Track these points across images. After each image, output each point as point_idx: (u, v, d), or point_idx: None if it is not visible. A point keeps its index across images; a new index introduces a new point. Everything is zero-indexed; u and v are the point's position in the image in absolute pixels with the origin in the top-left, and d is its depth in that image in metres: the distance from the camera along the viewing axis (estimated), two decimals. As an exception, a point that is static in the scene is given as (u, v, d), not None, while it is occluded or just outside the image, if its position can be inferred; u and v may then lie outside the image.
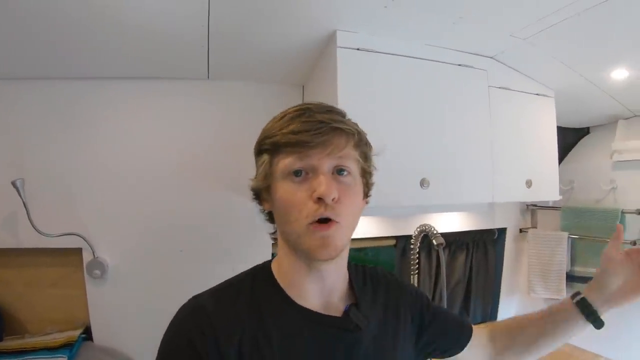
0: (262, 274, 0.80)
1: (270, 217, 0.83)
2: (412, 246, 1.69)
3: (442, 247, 1.51)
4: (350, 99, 1.39)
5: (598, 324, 0.90)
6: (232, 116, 1.75)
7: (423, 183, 1.49)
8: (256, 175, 0.80)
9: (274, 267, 0.81)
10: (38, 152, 1.52)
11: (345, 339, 0.75)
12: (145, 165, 1.63)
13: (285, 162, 0.71)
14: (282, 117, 0.75)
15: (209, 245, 1.70)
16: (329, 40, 1.46)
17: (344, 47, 1.41)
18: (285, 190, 0.72)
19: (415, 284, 1.77)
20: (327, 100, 1.43)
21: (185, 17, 1.27)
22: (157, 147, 1.65)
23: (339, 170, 0.73)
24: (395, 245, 2.05)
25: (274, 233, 0.85)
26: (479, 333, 1.00)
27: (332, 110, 0.76)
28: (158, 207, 1.64)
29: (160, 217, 1.64)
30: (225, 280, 0.80)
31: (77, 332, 1.52)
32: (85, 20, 1.20)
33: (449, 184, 1.58)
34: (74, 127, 1.56)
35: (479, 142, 1.67)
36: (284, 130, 0.71)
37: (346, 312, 0.78)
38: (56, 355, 1.40)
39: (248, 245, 1.74)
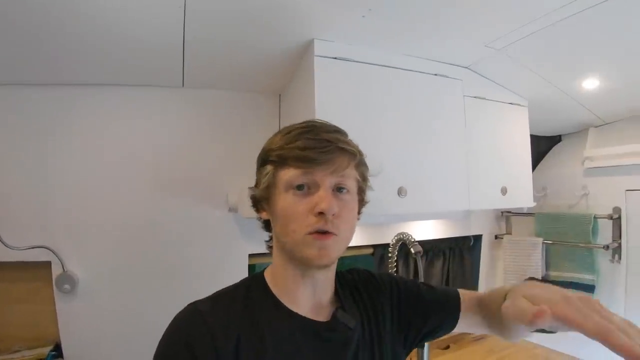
0: (255, 282, 0.83)
1: (267, 226, 0.87)
2: (389, 255, 1.69)
3: (419, 255, 1.52)
4: (327, 107, 1.39)
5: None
6: (207, 125, 1.72)
7: (400, 192, 1.50)
8: (257, 184, 0.83)
9: (267, 275, 0.84)
10: (5, 162, 1.46)
11: (335, 341, 0.79)
12: (117, 175, 1.59)
13: (290, 175, 0.75)
14: (288, 132, 0.79)
15: (182, 258, 1.66)
16: (307, 49, 1.46)
17: (322, 56, 1.41)
18: (287, 202, 0.75)
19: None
20: (305, 109, 1.44)
21: (159, 25, 1.24)
22: (130, 157, 1.61)
23: (339, 188, 0.77)
24: (372, 254, 2.06)
25: (269, 241, 0.90)
26: (470, 300, 0.96)
27: (337, 130, 0.81)
28: (130, 219, 1.60)
29: (132, 229, 1.60)
30: (221, 289, 0.82)
31: (47, 349, 1.47)
32: (57, 27, 1.17)
33: (426, 192, 1.59)
34: (43, 135, 1.50)
35: (455, 150, 1.69)
36: (291, 145, 0.75)
37: (334, 315, 0.81)
38: (24, 374, 1.35)
39: (223, 257, 1.72)
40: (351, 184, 0.79)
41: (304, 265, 0.77)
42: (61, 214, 1.52)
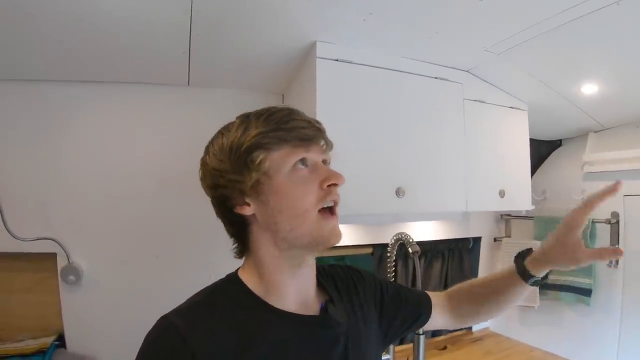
0: (232, 285, 0.78)
1: (240, 226, 0.79)
2: (388, 254, 1.71)
3: (417, 255, 1.54)
4: (329, 108, 1.42)
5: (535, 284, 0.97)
6: (211, 123, 1.71)
7: (399, 192, 1.52)
8: (242, 176, 0.73)
9: (243, 276, 0.78)
10: (13, 155, 1.50)
11: (327, 336, 0.77)
12: (122, 170, 1.62)
13: (291, 153, 0.72)
14: (270, 114, 0.75)
15: (185, 251, 1.69)
16: (309, 51, 1.48)
17: (323, 58, 1.44)
18: (292, 181, 0.72)
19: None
20: (307, 109, 1.46)
21: (167, 23, 1.27)
22: (135, 152, 1.65)
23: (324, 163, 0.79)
24: (372, 254, 2.07)
25: (237, 244, 0.83)
26: (437, 300, 1.09)
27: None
28: (134, 213, 1.63)
29: (136, 223, 1.63)
30: (193, 296, 0.76)
31: (50, 339, 1.50)
32: (61, 22, 1.19)
33: (424, 193, 1.61)
34: (49, 130, 1.54)
35: (454, 153, 1.71)
36: (287, 126, 0.73)
37: (324, 309, 0.80)
38: (28, 362, 1.37)
39: (224, 251, 1.72)
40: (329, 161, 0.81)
41: (313, 249, 0.75)
42: (67, 206, 1.55)
